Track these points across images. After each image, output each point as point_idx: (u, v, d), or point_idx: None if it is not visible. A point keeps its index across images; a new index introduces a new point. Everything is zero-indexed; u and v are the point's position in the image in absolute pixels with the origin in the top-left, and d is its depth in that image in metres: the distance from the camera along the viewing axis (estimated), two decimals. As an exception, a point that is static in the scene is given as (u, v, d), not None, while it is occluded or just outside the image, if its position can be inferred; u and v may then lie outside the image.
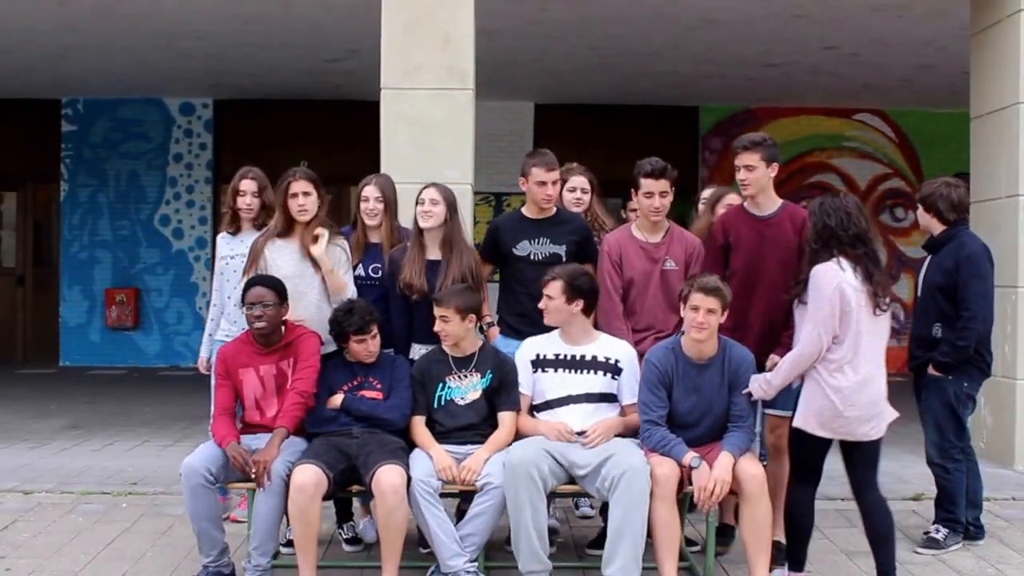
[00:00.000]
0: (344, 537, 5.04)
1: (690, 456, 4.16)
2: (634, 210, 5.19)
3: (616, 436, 4.40)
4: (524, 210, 4.98)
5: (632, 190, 4.83)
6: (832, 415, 4.13)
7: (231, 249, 5.33)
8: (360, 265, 4.92)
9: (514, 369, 4.55)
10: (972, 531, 5.09)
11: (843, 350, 4.10)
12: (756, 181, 4.64)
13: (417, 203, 4.78)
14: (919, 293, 5.17)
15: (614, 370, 4.49)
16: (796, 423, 4.22)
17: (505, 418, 4.51)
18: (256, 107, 11.93)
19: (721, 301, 4.22)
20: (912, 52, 9.43)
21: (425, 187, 4.82)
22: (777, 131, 12.08)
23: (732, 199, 5.25)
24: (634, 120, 11.77)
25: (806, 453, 4.27)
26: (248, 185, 5.33)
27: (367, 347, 4.51)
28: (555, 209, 4.95)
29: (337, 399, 4.49)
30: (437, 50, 6.24)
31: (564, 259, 4.82)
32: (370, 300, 4.72)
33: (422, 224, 4.75)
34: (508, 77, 10.45)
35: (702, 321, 4.21)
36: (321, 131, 11.67)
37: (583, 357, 4.50)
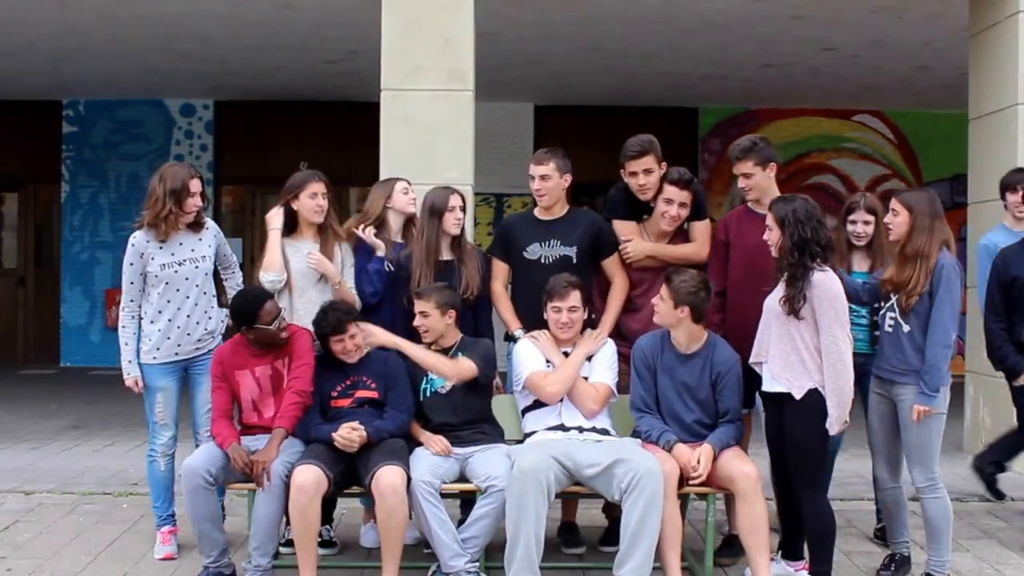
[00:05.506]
0: (319, 539, 4.61)
1: (670, 440, 4.31)
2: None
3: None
4: (536, 211, 4.95)
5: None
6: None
7: (172, 256, 4.73)
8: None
9: (490, 350, 4.65)
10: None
11: None
12: (756, 186, 4.76)
13: (448, 210, 4.75)
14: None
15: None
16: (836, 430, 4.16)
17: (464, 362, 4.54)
18: (257, 108, 11.93)
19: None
20: (911, 53, 9.44)
21: (451, 192, 4.83)
22: (776, 132, 12.09)
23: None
24: (634, 121, 11.58)
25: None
26: (199, 185, 4.75)
27: (344, 346, 4.51)
28: (567, 208, 4.91)
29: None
30: (437, 51, 6.26)
31: (575, 261, 4.79)
32: None
33: (454, 232, 4.77)
34: (508, 78, 10.46)
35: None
36: (321, 132, 11.66)
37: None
